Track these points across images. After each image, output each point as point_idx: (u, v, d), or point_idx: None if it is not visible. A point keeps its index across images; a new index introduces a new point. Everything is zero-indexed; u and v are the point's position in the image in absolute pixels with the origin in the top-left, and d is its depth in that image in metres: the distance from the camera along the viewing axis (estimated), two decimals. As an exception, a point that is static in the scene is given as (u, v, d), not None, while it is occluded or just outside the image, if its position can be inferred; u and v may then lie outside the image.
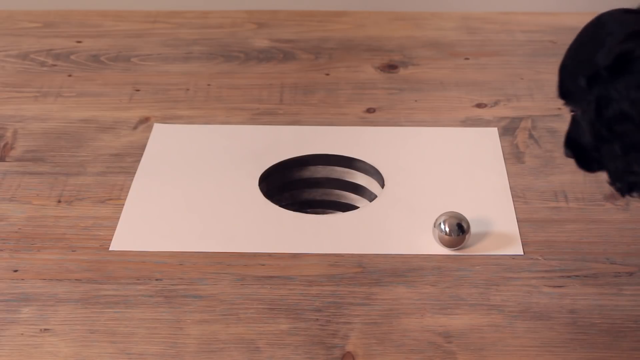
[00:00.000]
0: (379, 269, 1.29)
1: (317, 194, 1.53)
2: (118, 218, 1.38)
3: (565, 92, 1.12)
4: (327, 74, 1.74)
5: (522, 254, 1.31)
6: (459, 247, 1.32)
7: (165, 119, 1.60)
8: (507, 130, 1.57)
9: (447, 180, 1.45)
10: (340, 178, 1.51)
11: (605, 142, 1.09)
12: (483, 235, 1.34)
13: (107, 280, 1.28)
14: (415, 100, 1.66)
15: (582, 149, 1.14)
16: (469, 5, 1.96)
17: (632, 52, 1.05)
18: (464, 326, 1.20)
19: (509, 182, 1.44)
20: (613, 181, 1.11)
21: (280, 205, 1.42)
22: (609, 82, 1.06)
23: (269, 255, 1.31)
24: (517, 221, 1.37)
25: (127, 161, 1.50)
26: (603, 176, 1.15)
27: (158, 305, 1.24)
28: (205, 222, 1.37)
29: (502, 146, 1.52)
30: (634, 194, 1.10)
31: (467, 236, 1.31)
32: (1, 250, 1.33)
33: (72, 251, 1.33)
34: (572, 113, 1.14)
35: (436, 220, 1.32)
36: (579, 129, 1.13)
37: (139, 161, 1.50)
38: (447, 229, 1.31)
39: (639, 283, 1.27)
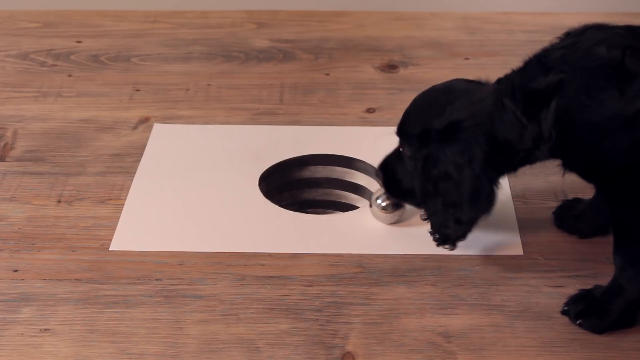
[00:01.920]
0: (379, 269, 1.29)
1: (317, 194, 1.53)
2: (118, 218, 1.38)
3: (401, 132, 1.26)
4: (327, 74, 1.74)
5: (522, 254, 1.31)
6: (396, 221, 1.36)
7: (165, 119, 1.60)
8: (507, 130, 1.57)
9: (447, 180, 1.45)
10: (340, 178, 1.51)
11: (429, 197, 1.22)
12: (483, 235, 1.34)
13: (107, 280, 1.28)
14: (415, 100, 1.66)
15: (393, 176, 1.29)
16: (469, 5, 1.96)
17: (462, 122, 1.18)
18: (464, 326, 1.21)
19: (509, 182, 1.44)
20: (432, 232, 1.25)
21: (280, 205, 1.42)
22: (438, 144, 1.19)
23: (269, 255, 1.31)
24: (517, 221, 1.37)
25: (127, 161, 1.50)
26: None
27: (158, 305, 1.24)
28: (205, 222, 1.37)
29: (502, 146, 1.52)
30: (446, 246, 1.25)
31: (403, 210, 1.35)
32: (1, 250, 1.33)
33: (72, 251, 1.33)
34: (399, 148, 1.27)
35: (372, 196, 1.36)
36: (400, 165, 1.27)
37: (139, 161, 1.50)
38: (384, 204, 1.35)
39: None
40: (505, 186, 1.43)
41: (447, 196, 1.19)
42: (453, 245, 1.24)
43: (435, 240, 1.25)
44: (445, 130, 1.18)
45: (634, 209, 1.15)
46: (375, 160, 1.49)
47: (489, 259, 1.31)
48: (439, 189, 1.20)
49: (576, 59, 1.14)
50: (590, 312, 1.19)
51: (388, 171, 1.29)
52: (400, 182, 1.28)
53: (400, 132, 1.26)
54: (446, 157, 1.18)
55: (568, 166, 1.20)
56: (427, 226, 1.35)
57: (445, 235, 1.23)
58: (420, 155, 1.21)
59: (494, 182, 1.19)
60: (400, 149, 1.27)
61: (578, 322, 1.20)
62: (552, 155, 1.19)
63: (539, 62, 1.18)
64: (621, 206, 1.17)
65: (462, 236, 1.23)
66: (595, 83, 1.12)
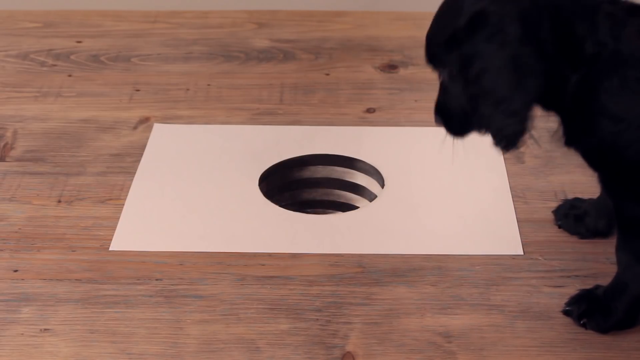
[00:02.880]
0: (379, 269, 1.29)
1: (317, 194, 1.53)
2: (118, 218, 1.38)
3: (431, 57, 1.16)
4: (327, 74, 1.74)
5: (522, 254, 1.31)
6: None
7: (165, 119, 1.60)
8: (507, 130, 1.57)
9: (447, 180, 1.45)
10: (340, 178, 1.51)
11: (477, 101, 1.11)
12: (483, 235, 1.34)
13: (107, 280, 1.28)
14: (415, 100, 1.66)
15: (451, 115, 1.18)
16: (469, 5, 1.96)
17: (485, 9, 1.08)
18: (464, 326, 1.20)
19: (509, 182, 1.44)
20: (498, 141, 1.12)
21: (280, 205, 1.42)
22: (466, 41, 1.09)
23: (269, 255, 1.31)
24: (517, 221, 1.37)
25: (127, 161, 1.50)
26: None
27: (158, 305, 1.24)
28: (205, 222, 1.37)
29: (502, 146, 1.52)
30: (512, 149, 1.12)
31: None
32: (1, 250, 1.33)
33: (72, 251, 1.33)
34: (440, 80, 1.18)
35: None
36: (447, 95, 1.17)
37: (139, 161, 1.50)
38: None
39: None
40: (505, 186, 1.43)
41: (493, 93, 1.09)
42: (515, 146, 1.10)
43: (504, 148, 1.12)
44: (469, 24, 1.08)
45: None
46: (375, 161, 1.49)
47: (489, 259, 1.31)
48: (483, 88, 1.09)
49: (623, 40, 1.08)
50: (593, 311, 1.19)
51: (444, 112, 1.18)
52: (458, 115, 1.16)
53: (431, 59, 1.16)
54: (477, 49, 1.08)
55: (569, 142, 1.15)
56: (426, 225, 1.35)
57: (506, 137, 1.10)
58: (454, 62, 1.11)
59: (535, 57, 1.07)
60: (440, 80, 1.17)
61: (582, 322, 1.19)
62: (556, 112, 1.14)
63: (594, 9, 1.09)
64: (627, 201, 1.16)
65: (521, 131, 1.09)
66: (633, 75, 1.08)
